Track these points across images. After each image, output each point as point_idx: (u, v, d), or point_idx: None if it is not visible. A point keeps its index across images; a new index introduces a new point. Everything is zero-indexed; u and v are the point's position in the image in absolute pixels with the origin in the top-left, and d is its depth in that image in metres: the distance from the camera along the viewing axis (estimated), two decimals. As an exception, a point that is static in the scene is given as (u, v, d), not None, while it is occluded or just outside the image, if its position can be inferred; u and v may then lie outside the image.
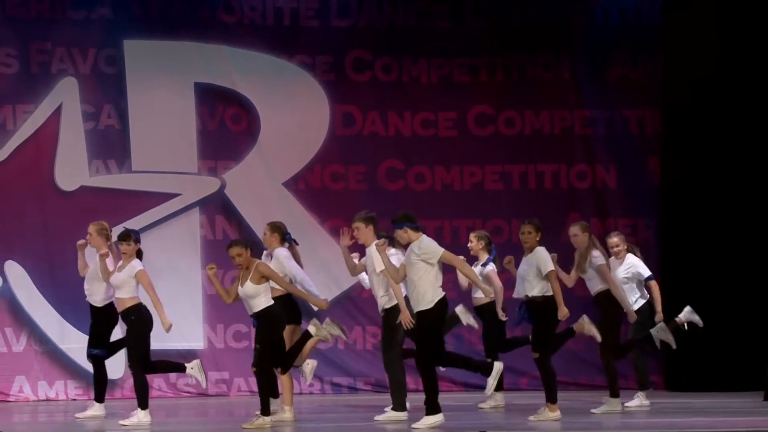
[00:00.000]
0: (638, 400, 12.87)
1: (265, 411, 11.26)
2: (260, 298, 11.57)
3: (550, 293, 11.74)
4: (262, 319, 11.56)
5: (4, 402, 14.70)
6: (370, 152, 15.95)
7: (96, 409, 12.54)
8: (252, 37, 15.79)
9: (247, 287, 11.48)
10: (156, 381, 15.13)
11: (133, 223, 14.84)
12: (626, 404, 12.80)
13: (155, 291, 12.07)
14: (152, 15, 15.61)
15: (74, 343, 14.76)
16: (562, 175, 16.14)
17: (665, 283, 14.55)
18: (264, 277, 11.54)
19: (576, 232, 12.56)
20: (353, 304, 15.24)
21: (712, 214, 15.11)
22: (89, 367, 12.90)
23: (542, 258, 11.89)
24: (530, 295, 11.79)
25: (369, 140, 15.98)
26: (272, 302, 11.68)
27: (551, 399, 11.79)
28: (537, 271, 11.79)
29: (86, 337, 12.86)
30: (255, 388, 12.82)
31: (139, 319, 11.97)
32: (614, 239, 13.33)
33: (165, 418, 13.08)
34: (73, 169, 15.42)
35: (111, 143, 15.51)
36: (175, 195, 15.59)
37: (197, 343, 15.26)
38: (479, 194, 16.04)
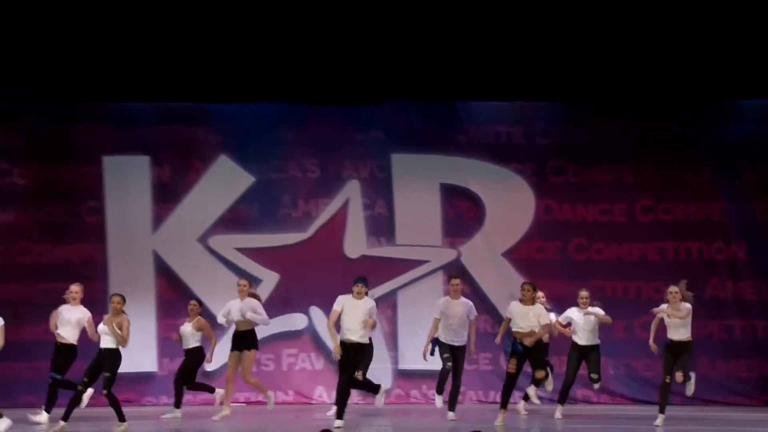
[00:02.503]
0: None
1: None
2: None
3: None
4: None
5: (309, 404, 16.61)
6: (563, 233, 17.15)
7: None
8: (480, 151, 17.24)
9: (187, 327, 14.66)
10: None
11: (395, 282, 16.79)
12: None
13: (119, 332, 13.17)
14: (411, 136, 17.27)
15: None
16: (705, 250, 17.20)
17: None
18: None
19: (679, 289, 13.64)
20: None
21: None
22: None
23: (544, 312, 13.70)
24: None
25: (562, 224, 17.20)
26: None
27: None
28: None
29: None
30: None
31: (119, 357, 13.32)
32: (583, 293, 14.51)
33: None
34: (356, 243, 17.12)
35: (381, 225, 17.17)
36: (425, 261, 17.14)
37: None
38: (643, 264, 17.16)
